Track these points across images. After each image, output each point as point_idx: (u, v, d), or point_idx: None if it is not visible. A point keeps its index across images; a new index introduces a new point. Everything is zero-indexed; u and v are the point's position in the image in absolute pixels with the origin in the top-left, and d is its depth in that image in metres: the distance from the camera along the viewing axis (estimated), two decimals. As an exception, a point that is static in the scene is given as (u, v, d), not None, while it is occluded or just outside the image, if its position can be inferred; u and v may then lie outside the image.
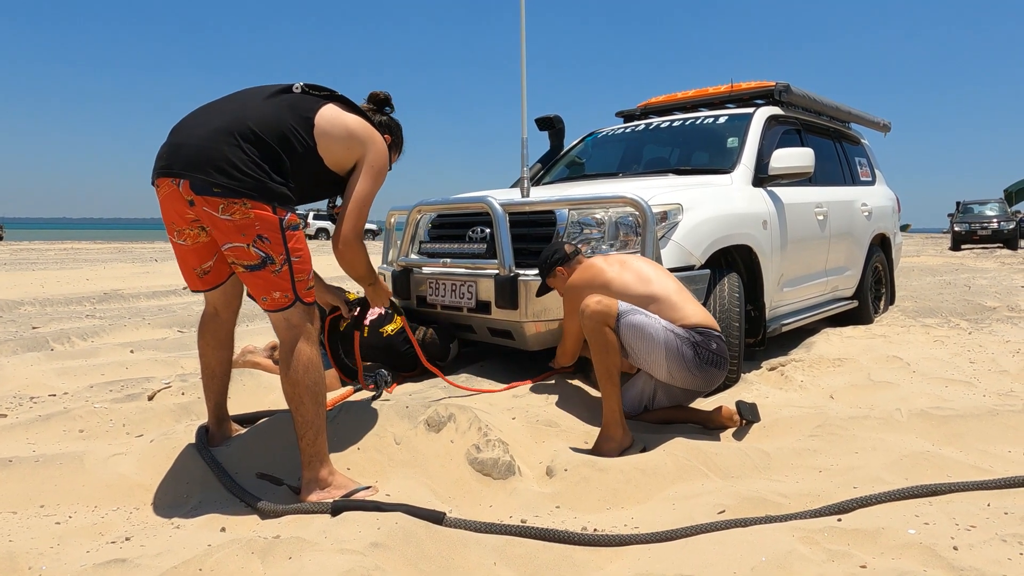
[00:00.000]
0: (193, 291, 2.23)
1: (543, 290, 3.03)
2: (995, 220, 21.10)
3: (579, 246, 3.10)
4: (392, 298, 2.70)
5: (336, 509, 1.86)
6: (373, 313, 3.59)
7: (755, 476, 2.18)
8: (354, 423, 2.42)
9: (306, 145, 2.06)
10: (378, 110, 2.50)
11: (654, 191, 3.42)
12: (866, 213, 5.54)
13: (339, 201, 2.27)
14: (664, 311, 2.54)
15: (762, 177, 4.20)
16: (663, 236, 3.31)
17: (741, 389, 3.31)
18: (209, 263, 2.16)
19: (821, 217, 4.76)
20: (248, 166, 1.91)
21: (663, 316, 2.54)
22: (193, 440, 2.35)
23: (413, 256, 3.91)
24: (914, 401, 2.76)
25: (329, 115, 2.13)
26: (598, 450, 2.44)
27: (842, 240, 5.09)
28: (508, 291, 3.26)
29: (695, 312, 2.56)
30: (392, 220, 4.35)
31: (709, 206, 3.57)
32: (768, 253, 4.00)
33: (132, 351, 3.91)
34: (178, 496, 2.09)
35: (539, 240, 3.43)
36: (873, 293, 5.83)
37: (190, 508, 2.02)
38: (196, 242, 2.09)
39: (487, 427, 2.42)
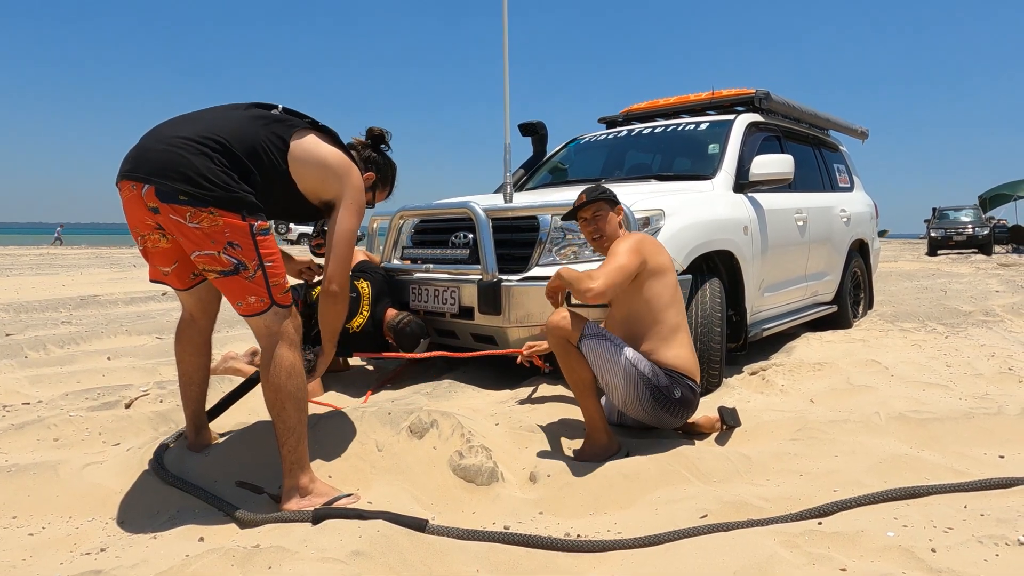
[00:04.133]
0: (151, 280, 2.20)
1: (570, 216, 2.72)
2: (970, 226, 21.49)
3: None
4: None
5: (317, 517, 1.84)
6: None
7: (737, 480, 2.19)
8: (336, 430, 2.40)
9: (277, 166, 2.05)
10: (372, 146, 2.50)
11: (636, 197, 3.44)
12: (845, 219, 5.61)
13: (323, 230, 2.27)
14: (655, 338, 2.46)
15: (743, 183, 4.24)
16: (645, 241, 3.32)
17: (723, 394, 3.33)
18: (168, 268, 2.12)
19: (801, 223, 4.82)
20: (215, 175, 1.89)
21: (648, 342, 2.46)
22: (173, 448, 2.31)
23: (396, 261, 3.90)
24: (892, 404, 2.79)
25: (306, 144, 2.12)
26: (582, 456, 2.44)
27: (821, 246, 5.15)
28: (491, 296, 3.26)
29: (680, 356, 2.48)
30: (375, 225, 4.33)
31: (691, 212, 3.60)
32: (749, 258, 4.03)
33: (109, 358, 3.84)
34: (155, 506, 2.05)
35: (522, 246, 3.43)
36: (852, 298, 5.90)
37: (168, 518, 1.98)
38: (156, 246, 2.06)
39: (470, 433, 2.41)
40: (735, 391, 3.35)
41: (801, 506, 1.99)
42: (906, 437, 2.40)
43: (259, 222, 1.96)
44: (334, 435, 2.38)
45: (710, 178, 4.17)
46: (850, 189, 6.15)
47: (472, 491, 2.21)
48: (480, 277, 3.31)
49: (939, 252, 21.86)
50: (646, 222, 3.35)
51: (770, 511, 1.97)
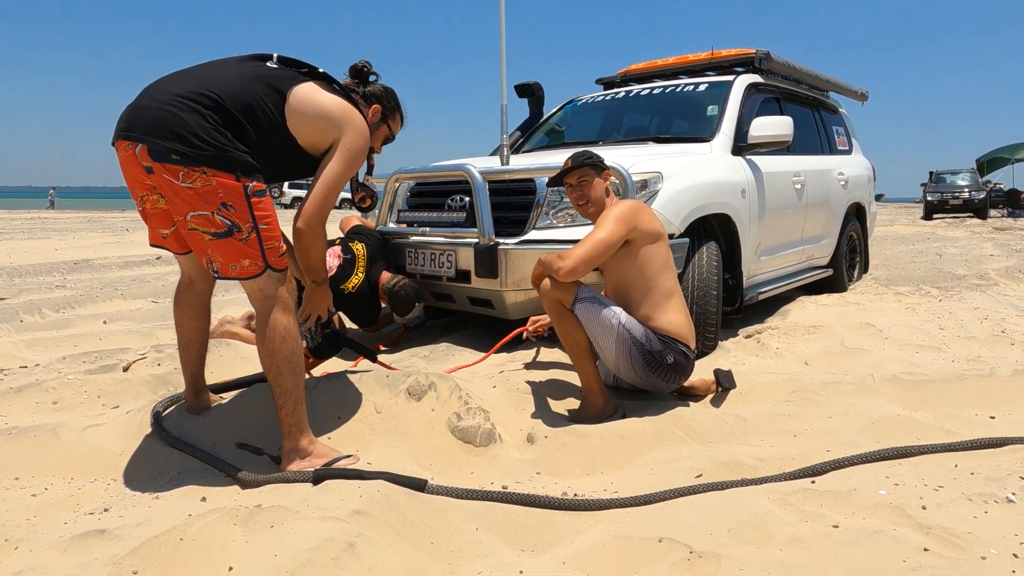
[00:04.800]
0: (151, 244, 2.18)
1: (555, 182, 2.68)
2: (966, 190, 21.45)
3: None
4: (331, 308, 2.53)
5: (318, 478, 1.86)
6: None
7: (732, 441, 2.22)
8: (334, 393, 2.41)
9: (274, 121, 2.01)
10: (361, 82, 2.44)
11: (633, 159, 3.41)
12: (842, 182, 5.59)
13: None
14: (649, 304, 2.46)
15: (741, 146, 4.20)
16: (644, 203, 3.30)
17: (718, 357, 3.36)
18: (167, 231, 2.10)
19: (799, 186, 4.80)
20: (208, 133, 1.85)
21: (642, 308, 2.46)
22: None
23: (392, 225, 3.87)
24: (886, 367, 2.82)
25: (303, 94, 2.07)
26: (579, 417, 2.47)
27: (819, 209, 5.14)
28: (488, 260, 3.25)
29: (674, 321, 2.47)
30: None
31: (689, 175, 3.57)
32: (746, 222, 4.02)
33: (105, 322, 3.84)
34: (156, 467, 2.07)
35: (519, 208, 3.41)
36: (847, 262, 5.91)
37: (169, 479, 2.00)
38: (156, 207, 2.03)
39: (468, 396, 2.43)
40: (730, 354, 3.37)
41: (795, 466, 2.01)
42: (899, 398, 2.43)
43: (254, 183, 1.94)
44: (332, 397, 2.39)
45: (708, 140, 4.13)
46: (848, 152, 6.11)
47: (470, 452, 2.23)
48: (476, 241, 3.30)
49: (935, 216, 21.85)
50: (644, 185, 3.33)
51: (764, 470, 2.00)
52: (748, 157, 4.25)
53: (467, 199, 3.53)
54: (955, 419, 2.28)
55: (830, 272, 5.50)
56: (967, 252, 8.78)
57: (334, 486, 1.74)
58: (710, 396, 2.66)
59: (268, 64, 2.10)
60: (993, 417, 2.28)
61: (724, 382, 2.64)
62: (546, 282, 2.44)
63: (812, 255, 5.23)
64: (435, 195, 3.77)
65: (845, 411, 2.31)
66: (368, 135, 2.19)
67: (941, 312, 4.27)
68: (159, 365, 2.96)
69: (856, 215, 6.05)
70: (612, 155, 3.61)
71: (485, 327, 3.68)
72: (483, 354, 3.21)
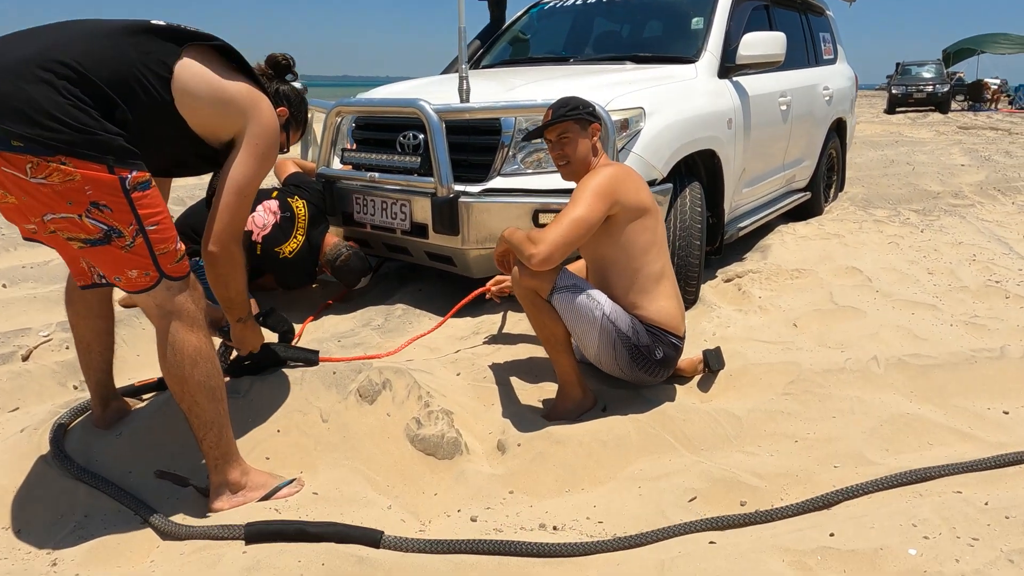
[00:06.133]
0: (24, 239, 1.73)
1: (534, 135, 2.27)
2: (931, 83, 21.16)
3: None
4: (269, 344, 2.16)
5: (250, 536, 1.56)
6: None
7: (726, 448, 1.99)
8: (272, 398, 2.08)
9: (158, 98, 1.54)
10: (277, 76, 1.98)
11: (612, 92, 2.96)
12: (827, 98, 5.19)
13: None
14: (635, 289, 2.12)
15: (729, 66, 3.75)
16: (623, 148, 2.90)
17: (700, 313, 3.10)
18: (32, 224, 1.60)
19: (784, 107, 4.40)
20: (64, 111, 1.39)
21: (628, 295, 2.13)
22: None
23: (336, 166, 3.39)
24: (887, 340, 2.59)
25: (198, 69, 1.60)
26: (555, 413, 2.20)
27: (803, 129, 4.77)
28: (447, 215, 2.85)
29: (664, 309, 2.13)
30: (310, 116, 3.74)
31: (673, 108, 3.15)
32: (732, 155, 3.66)
33: (4, 285, 3.34)
34: (58, 509, 1.74)
35: (481, 151, 2.97)
36: (824, 182, 5.63)
37: (73, 527, 1.67)
38: (4, 202, 1.56)
39: (428, 394, 2.13)
40: (713, 310, 3.11)
41: (799, 485, 1.80)
42: (906, 388, 2.21)
43: (134, 173, 1.49)
44: (269, 405, 2.06)
45: (693, 61, 3.66)
46: (834, 61, 5.66)
47: (433, 467, 1.96)
48: (434, 191, 2.88)
49: (898, 110, 21.63)
50: (624, 125, 2.91)
51: (765, 491, 1.78)
52: (735, 79, 3.82)
53: (421, 137, 3.06)
54: (966, 414, 2.08)
55: (808, 195, 5.21)
56: (937, 160, 8.58)
57: (267, 564, 1.44)
58: (697, 377, 2.41)
59: (151, 28, 1.59)
60: (1007, 412, 2.08)
61: (713, 364, 2.38)
62: (517, 269, 2.08)
63: (792, 179, 4.92)
64: (384, 130, 3.28)
65: (850, 408, 2.08)
66: (278, 129, 1.76)
67: (925, 249, 4.06)
68: (67, 348, 2.55)
69: (836, 131, 5.71)
70: (587, 85, 3.16)
71: (445, 277, 3.32)
72: (441, 319, 2.87)
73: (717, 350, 2.43)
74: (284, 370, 2.19)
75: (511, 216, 2.83)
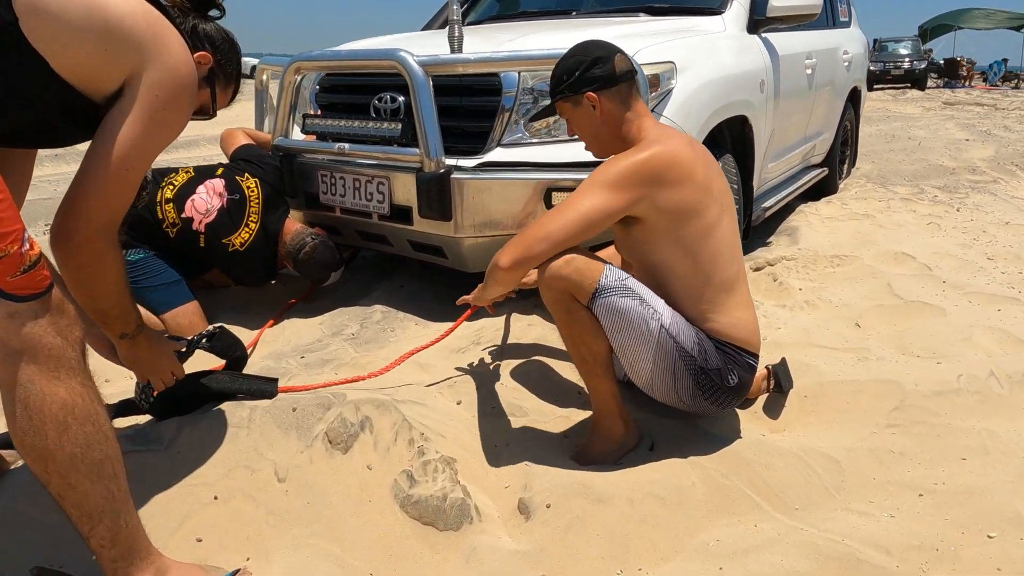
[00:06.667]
0: None
1: (538, 116, 1.83)
2: (908, 60, 21.00)
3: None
4: (205, 374, 1.66)
5: None
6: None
7: (828, 505, 1.48)
8: (206, 449, 1.51)
9: None
10: (195, 9, 1.39)
11: (638, 42, 2.41)
12: (847, 63, 4.71)
13: None
14: (704, 299, 1.59)
15: (758, 19, 3.22)
16: (652, 110, 2.36)
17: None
18: None
19: (810, 71, 3.89)
20: None
21: (693, 305, 1.59)
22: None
23: (297, 136, 2.79)
24: (984, 344, 2.11)
25: None
26: (589, 455, 1.67)
27: (824, 98, 4.28)
28: (436, 194, 2.28)
29: (740, 321, 1.60)
30: (264, 77, 3.13)
31: (706, 65, 2.62)
32: (763, 124, 3.15)
33: None
34: None
35: (478, 116, 2.41)
36: (839, 156, 5.17)
37: None
38: None
39: (423, 436, 1.58)
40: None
41: (943, 564, 1.30)
42: (1040, 414, 1.73)
43: None
44: (203, 459, 1.49)
45: (719, 12, 3.12)
46: (848, 24, 5.17)
47: (433, 542, 1.42)
48: (419, 165, 2.31)
49: (876, 86, 21.41)
50: (655, 81, 2.36)
51: (898, 575, 1.28)
52: (763, 35, 3.29)
53: (401, 99, 2.48)
54: None
55: (825, 171, 4.74)
56: (936, 135, 8.21)
57: None
58: (761, 399, 1.91)
59: None
60: None
61: (784, 382, 1.88)
62: (556, 262, 1.52)
63: (811, 153, 4.43)
64: (355, 92, 2.69)
65: (980, 445, 1.59)
66: (195, 78, 1.19)
67: (972, 230, 3.61)
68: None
69: (851, 100, 5.24)
70: (605, 35, 2.60)
71: (434, 271, 2.76)
72: (437, 334, 2.32)
73: (783, 363, 1.92)
74: (226, 407, 1.63)
75: (516, 196, 2.28)
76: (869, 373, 1.93)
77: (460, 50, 2.31)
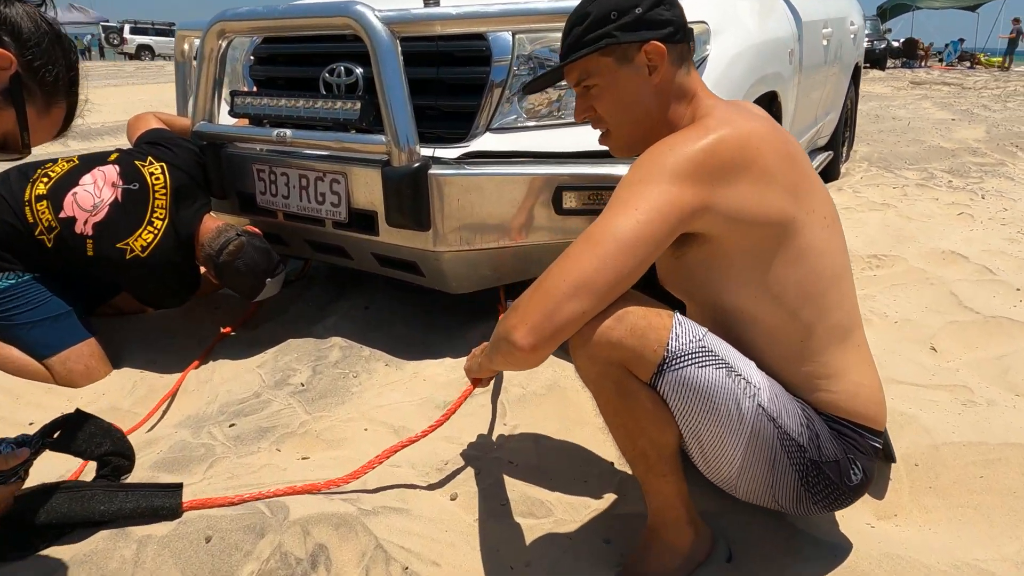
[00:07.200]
0: None
1: (538, 85, 1.24)
2: (869, 40, 20.98)
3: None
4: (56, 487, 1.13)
5: None
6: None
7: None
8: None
9: None
10: None
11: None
12: (853, 35, 4.29)
13: None
14: (806, 358, 1.08)
15: (782, -23, 2.73)
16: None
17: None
18: None
19: (826, 42, 3.44)
20: None
21: (793, 366, 1.09)
22: None
23: (226, 120, 2.19)
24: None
25: None
26: (645, 571, 1.16)
27: (835, 73, 3.83)
28: (408, 195, 1.73)
29: (860, 386, 1.09)
30: (185, 47, 2.51)
31: (742, 28, 2.11)
32: (791, 102, 2.67)
33: None
34: None
35: (460, 91, 1.86)
36: (841, 139, 4.76)
37: None
38: None
39: (405, 570, 1.05)
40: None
41: None
42: None
43: None
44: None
45: (741, -32, 2.62)
46: (850, -9, 4.75)
47: None
48: (386, 155, 1.75)
49: (837, 67, 21.37)
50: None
51: None
52: (786, -5, 2.81)
53: (359, 71, 1.92)
54: None
55: (831, 155, 4.31)
56: (919, 115, 7.92)
57: None
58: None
59: None
60: None
61: (889, 450, 1.40)
62: (608, 322, 0.99)
63: (818, 135, 3.99)
64: (300, 64, 2.10)
65: None
66: None
67: (1010, 220, 3.23)
68: None
69: (853, 77, 4.83)
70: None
71: (406, 286, 2.21)
72: (413, 378, 1.78)
73: (885, 432, 1.44)
74: (102, 538, 1.07)
75: (514, 197, 1.75)
76: (992, 429, 1.47)
77: (437, 2, 1.76)
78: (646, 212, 0.96)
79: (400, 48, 1.71)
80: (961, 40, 23.90)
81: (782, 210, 1.01)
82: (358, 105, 1.81)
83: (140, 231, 1.84)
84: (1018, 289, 2.29)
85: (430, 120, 1.86)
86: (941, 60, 24.34)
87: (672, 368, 0.99)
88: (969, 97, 10.27)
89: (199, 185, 2.02)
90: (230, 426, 1.53)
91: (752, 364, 1.06)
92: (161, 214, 1.88)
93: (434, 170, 1.74)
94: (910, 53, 23.24)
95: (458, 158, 1.80)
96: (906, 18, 25.14)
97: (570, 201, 1.72)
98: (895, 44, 24.55)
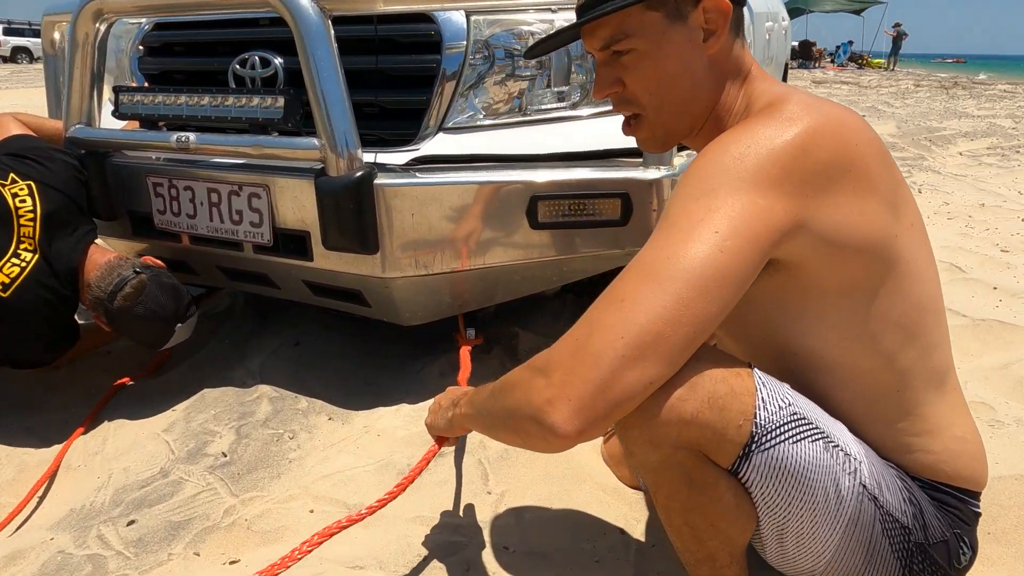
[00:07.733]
0: None
1: (542, 49, 0.95)
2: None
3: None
4: None
5: None
6: None
7: None
8: None
9: None
10: None
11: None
12: (784, 31, 4.26)
13: None
14: (901, 414, 0.85)
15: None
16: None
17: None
18: None
19: (768, 36, 3.35)
20: None
21: (888, 427, 0.85)
22: None
23: (109, 124, 1.79)
24: None
25: None
26: None
27: (772, 71, 3.76)
28: (350, 211, 1.41)
29: (960, 443, 0.86)
30: (56, 36, 2.07)
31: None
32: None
33: None
34: None
35: (402, 85, 1.56)
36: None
37: None
38: None
39: None
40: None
41: None
42: None
43: None
44: None
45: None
46: (775, -10, 4.73)
47: None
48: (319, 165, 1.43)
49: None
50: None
51: None
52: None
53: (278, 62, 1.58)
54: None
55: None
56: (876, 108, 8.19)
57: None
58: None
59: None
60: None
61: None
62: (664, 405, 0.72)
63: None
64: (202, 54, 1.74)
65: None
66: None
67: (956, 215, 3.22)
68: None
69: (783, 77, 4.82)
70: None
71: (359, 324, 1.88)
72: (362, 433, 1.46)
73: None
74: None
75: (478, 209, 1.47)
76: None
77: (376, -23, 1.45)
78: (730, 236, 0.70)
79: (332, 31, 1.39)
80: (850, 42, 25.40)
81: (884, 229, 0.78)
82: (281, 102, 1.47)
83: (3, 262, 1.43)
84: (995, 288, 2.20)
85: (368, 119, 1.55)
86: (833, 61, 25.77)
87: (762, 448, 0.74)
88: (869, 95, 10.76)
89: (80, 208, 1.61)
90: (128, 524, 1.16)
91: (842, 426, 0.82)
92: (28, 245, 1.47)
93: (381, 179, 1.43)
94: (806, 54, 24.47)
95: (407, 164, 1.50)
96: (801, 20, 26.41)
97: (547, 213, 1.45)
98: (792, 45, 25.90)
